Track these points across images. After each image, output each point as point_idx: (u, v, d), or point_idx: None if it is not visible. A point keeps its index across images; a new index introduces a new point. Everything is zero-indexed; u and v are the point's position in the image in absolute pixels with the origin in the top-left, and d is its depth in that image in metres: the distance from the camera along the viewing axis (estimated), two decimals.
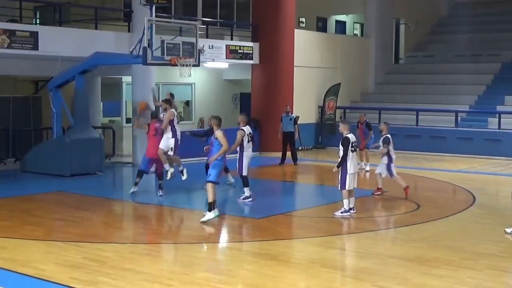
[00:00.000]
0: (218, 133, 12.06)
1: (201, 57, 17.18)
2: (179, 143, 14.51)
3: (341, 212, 12.36)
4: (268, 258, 9.45)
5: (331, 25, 30.90)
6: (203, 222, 11.59)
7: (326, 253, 9.98)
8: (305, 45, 24.86)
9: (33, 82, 22.70)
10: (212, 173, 11.92)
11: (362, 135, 19.09)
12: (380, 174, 14.54)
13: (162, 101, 15.76)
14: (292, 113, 20.54)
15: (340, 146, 12.36)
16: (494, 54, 28.63)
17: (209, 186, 11.77)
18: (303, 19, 28.20)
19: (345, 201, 12.40)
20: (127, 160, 20.37)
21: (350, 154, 12.24)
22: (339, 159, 12.37)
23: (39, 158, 17.76)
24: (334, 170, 12.59)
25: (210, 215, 11.70)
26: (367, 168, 18.94)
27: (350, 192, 12.38)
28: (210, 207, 11.73)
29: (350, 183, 12.31)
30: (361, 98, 28.34)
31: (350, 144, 12.24)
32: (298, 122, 24.01)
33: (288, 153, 20.32)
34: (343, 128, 12.58)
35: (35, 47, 17.02)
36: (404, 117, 24.71)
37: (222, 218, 12.83)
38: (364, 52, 28.52)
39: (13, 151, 19.63)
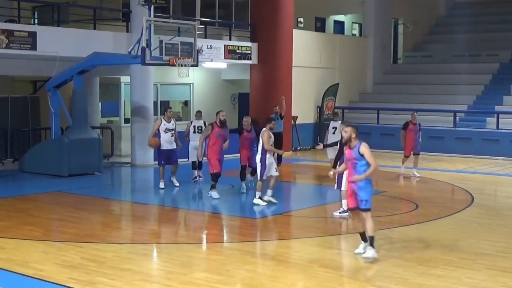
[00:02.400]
0: (364, 149, 9.50)
1: (199, 57, 17.18)
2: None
3: (340, 212, 12.36)
4: (266, 258, 9.45)
5: (330, 25, 30.91)
6: (366, 259, 9.28)
7: (325, 253, 9.98)
8: (303, 45, 24.86)
9: (32, 82, 22.69)
10: (365, 198, 9.37)
11: (414, 137, 17.91)
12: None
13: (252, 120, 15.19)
14: (278, 113, 19.60)
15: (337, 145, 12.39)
16: (492, 54, 28.65)
17: (367, 216, 9.37)
18: (302, 19, 28.21)
19: (344, 201, 12.39)
20: (126, 160, 20.38)
21: None
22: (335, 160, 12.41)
23: (38, 158, 17.75)
24: (331, 174, 12.38)
25: (371, 253, 9.23)
26: (418, 174, 17.85)
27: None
28: (371, 241, 9.30)
29: (346, 184, 12.29)
30: (360, 98, 28.35)
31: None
32: (297, 122, 24.14)
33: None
34: (342, 129, 12.57)
35: (34, 47, 17.01)
36: (402, 117, 24.54)
37: (221, 218, 12.84)
38: (363, 52, 28.54)
39: (12, 151, 19.62)
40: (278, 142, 19.10)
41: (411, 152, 17.92)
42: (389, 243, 10.69)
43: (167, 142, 15.30)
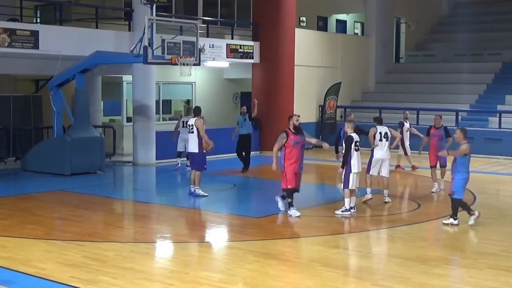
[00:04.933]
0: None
1: (201, 56, 17.17)
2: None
3: (342, 211, 12.36)
4: (268, 257, 9.44)
5: (332, 24, 30.89)
6: None
7: (327, 252, 9.96)
8: (305, 44, 24.84)
9: (34, 81, 22.72)
10: None
11: (438, 144, 15.22)
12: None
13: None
14: (246, 114, 18.26)
15: (343, 144, 12.44)
16: (494, 53, 28.63)
17: None
18: (304, 18, 28.20)
19: (346, 200, 12.40)
20: (128, 159, 20.37)
21: (354, 153, 12.28)
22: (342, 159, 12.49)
23: (40, 157, 17.76)
24: (339, 171, 12.58)
25: None
26: (442, 186, 15.41)
27: (351, 191, 12.40)
28: None
29: (353, 183, 12.34)
30: (362, 97, 28.33)
31: (354, 143, 12.28)
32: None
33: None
34: (347, 127, 12.67)
35: (36, 46, 17.01)
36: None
37: (223, 217, 12.84)
38: (365, 51, 28.52)
39: (14, 150, 19.63)
40: (246, 143, 18.31)
41: (438, 162, 15.23)
42: (391, 242, 10.69)
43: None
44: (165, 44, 16.07)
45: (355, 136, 12.45)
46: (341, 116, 26.17)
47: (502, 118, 22.97)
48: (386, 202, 13.65)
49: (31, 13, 21.64)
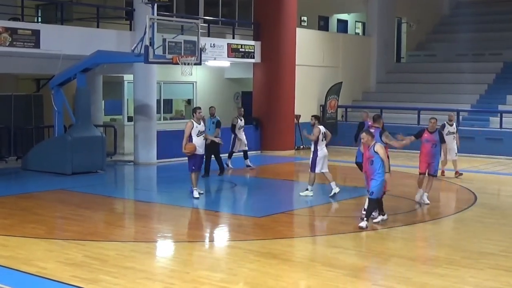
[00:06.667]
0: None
1: (202, 55, 17.17)
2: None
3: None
4: (269, 257, 9.45)
5: (333, 23, 30.88)
6: None
7: (327, 251, 9.98)
8: (306, 44, 24.83)
9: (35, 80, 22.71)
10: None
11: (431, 151, 13.73)
12: None
13: (312, 116, 14.56)
14: (215, 116, 17.50)
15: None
16: (496, 53, 28.62)
17: None
18: (305, 18, 28.19)
19: (332, 184, 14.08)
20: (129, 158, 20.38)
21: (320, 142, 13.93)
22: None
23: (41, 156, 17.77)
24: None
25: None
26: (426, 200, 13.68)
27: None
28: None
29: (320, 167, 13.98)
30: (363, 97, 28.32)
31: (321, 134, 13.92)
32: (300, 121, 24.09)
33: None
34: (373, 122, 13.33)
35: (37, 45, 17.02)
36: (405, 116, 24.69)
37: (223, 216, 12.84)
38: (366, 51, 28.50)
39: (15, 149, 19.64)
40: (215, 147, 16.88)
41: (427, 170, 13.76)
42: (391, 242, 10.69)
43: (200, 146, 13.97)
44: (166, 43, 16.07)
45: (322, 128, 14.02)
46: (342, 116, 26.17)
47: (503, 118, 22.97)
48: (335, 194, 14.42)
49: (32, 12, 21.64)
